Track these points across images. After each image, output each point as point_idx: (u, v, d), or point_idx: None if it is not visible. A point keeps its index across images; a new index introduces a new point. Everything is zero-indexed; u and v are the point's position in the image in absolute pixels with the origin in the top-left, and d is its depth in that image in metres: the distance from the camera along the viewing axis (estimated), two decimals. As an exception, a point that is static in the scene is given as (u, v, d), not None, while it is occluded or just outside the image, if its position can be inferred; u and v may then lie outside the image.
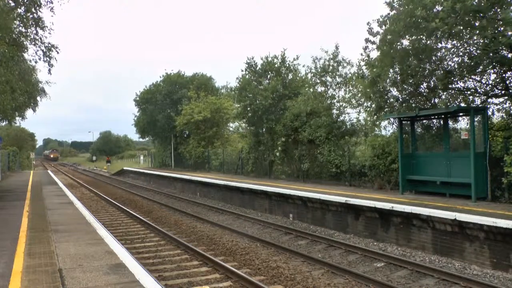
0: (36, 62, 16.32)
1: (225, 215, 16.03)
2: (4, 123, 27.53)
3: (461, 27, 10.95)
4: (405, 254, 9.72)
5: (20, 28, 14.30)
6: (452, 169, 11.82)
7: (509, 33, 9.89)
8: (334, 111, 18.61)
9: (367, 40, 13.75)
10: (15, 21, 13.39)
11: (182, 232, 12.73)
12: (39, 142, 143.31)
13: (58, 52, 15.24)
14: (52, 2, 13.93)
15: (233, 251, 10.10)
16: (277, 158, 21.25)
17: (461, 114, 12.39)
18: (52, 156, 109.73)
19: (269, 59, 23.10)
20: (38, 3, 13.94)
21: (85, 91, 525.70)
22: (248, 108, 22.91)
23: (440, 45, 12.36)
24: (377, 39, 13.40)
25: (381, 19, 12.98)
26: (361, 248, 10.09)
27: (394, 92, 14.43)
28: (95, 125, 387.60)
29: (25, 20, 13.95)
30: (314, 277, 8.03)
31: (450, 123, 12.83)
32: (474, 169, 10.84)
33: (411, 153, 13.37)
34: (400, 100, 14.18)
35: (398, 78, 13.46)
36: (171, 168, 37.06)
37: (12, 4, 13.38)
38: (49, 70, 15.37)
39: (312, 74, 19.48)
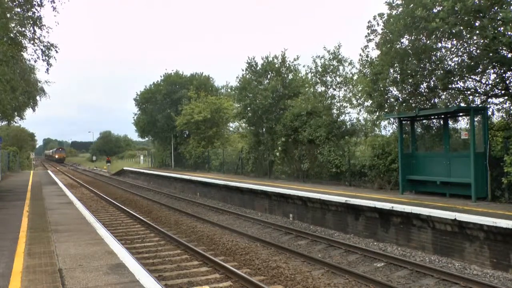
0: (35, 61, 16.29)
1: (225, 215, 16.03)
2: (4, 123, 27.54)
3: (461, 27, 10.94)
4: (405, 254, 9.72)
5: (18, 27, 14.24)
6: (452, 169, 11.82)
7: (509, 33, 9.88)
8: (334, 111, 18.61)
9: (366, 36, 13.75)
10: (13, 21, 13.33)
11: (182, 232, 12.73)
12: (39, 142, 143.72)
13: (57, 51, 15.18)
14: (54, 2, 13.86)
15: (233, 251, 10.10)
16: (277, 158, 21.23)
17: (461, 114, 12.39)
18: (57, 156, 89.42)
19: (270, 59, 23.11)
20: (39, 2, 13.88)
21: (85, 91, 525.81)
22: (248, 108, 22.92)
23: (440, 45, 12.37)
24: (377, 38, 13.41)
25: (380, 19, 12.99)
26: (361, 248, 10.08)
27: (394, 91, 14.45)
28: (95, 125, 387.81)
29: (22, 19, 13.88)
30: (314, 277, 8.03)
31: (450, 123, 12.83)
32: (474, 169, 10.84)
33: (411, 153, 13.36)
34: (400, 99, 14.19)
35: (398, 77, 13.46)
36: (171, 168, 37.05)
37: (11, 3, 13.32)
38: (47, 69, 15.27)
39: (312, 74, 19.48)
